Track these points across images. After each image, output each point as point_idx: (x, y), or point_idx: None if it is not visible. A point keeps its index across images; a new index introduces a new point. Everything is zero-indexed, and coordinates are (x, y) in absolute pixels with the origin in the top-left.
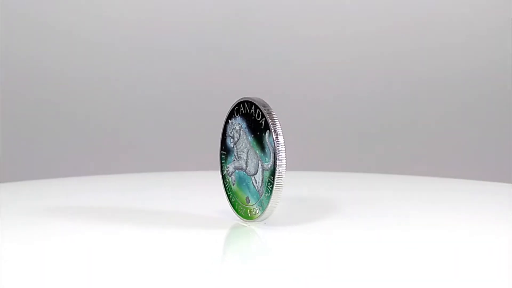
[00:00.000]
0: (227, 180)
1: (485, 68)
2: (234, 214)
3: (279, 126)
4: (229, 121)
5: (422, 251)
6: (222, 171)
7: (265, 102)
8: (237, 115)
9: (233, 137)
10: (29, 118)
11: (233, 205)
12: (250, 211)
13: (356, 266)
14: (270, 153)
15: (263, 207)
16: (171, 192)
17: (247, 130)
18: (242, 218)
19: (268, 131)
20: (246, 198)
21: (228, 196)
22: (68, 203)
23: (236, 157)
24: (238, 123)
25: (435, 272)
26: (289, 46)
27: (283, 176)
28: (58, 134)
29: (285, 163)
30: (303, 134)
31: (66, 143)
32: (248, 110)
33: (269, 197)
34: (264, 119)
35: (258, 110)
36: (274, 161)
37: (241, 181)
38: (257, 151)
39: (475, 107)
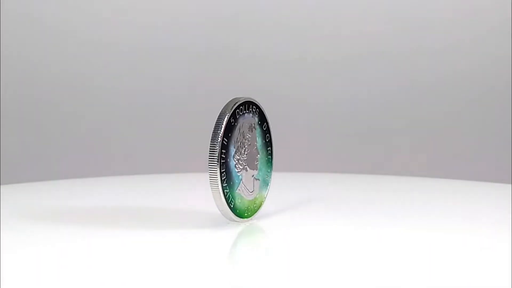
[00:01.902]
0: None
1: (485, 68)
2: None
3: (222, 125)
4: None
5: (421, 251)
6: None
7: (228, 103)
8: None
9: None
10: (27, 120)
11: None
12: None
13: (352, 268)
14: None
15: None
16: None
17: None
18: None
19: None
20: None
21: None
22: (64, 206)
23: None
24: None
25: (434, 273)
26: (287, 46)
27: (212, 176)
28: (53, 136)
29: (211, 163)
30: (301, 135)
31: (57, 145)
32: None
33: None
34: None
35: None
36: None
37: None
38: None
39: (475, 107)
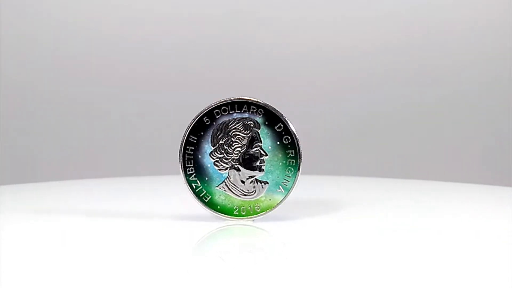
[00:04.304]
0: None
1: (485, 69)
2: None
3: (189, 124)
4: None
5: (420, 254)
6: None
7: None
8: None
9: None
10: (25, 120)
11: None
12: None
13: (352, 272)
14: None
15: None
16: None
17: None
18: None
19: None
20: None
21: None
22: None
23: None
24: None
25: (435, 275)
26: (287, 46)
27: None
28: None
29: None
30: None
31: (56, 146)
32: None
33: None
34: None
35: None
36: None
37: None
38: None
39: (475, 109)
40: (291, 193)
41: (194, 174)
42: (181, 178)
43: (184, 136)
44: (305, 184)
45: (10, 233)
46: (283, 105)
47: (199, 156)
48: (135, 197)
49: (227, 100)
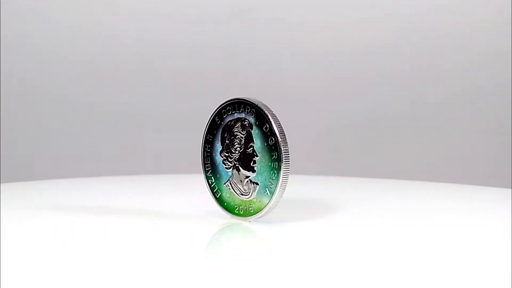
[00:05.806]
0: None
1: (485, 70)
2: None
3: (206, 123)
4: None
5: (420, 257)
6: None
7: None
8: None
9: None
10: (27, 119)
11: None
12: None
13: (350, 273)
14: None
15: None
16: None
17: None
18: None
19: None
20: None
21: None
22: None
23: None
24: None
25: (434, 278)
26: (288, 47)
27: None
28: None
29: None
30: (301, 136)
31: (55, 145)
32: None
33: None
34: None
35: None
36: None
37: None
38: None
39: (475, 110)
40: (277, 196)
41: (210, 171)
42: (201, 175)
43: (203, 135)
44: (304, 185)
45: (15, 233)
46: (282, 105)
47: (213, 154)
48: (140, 195)
49: (230, 101)
